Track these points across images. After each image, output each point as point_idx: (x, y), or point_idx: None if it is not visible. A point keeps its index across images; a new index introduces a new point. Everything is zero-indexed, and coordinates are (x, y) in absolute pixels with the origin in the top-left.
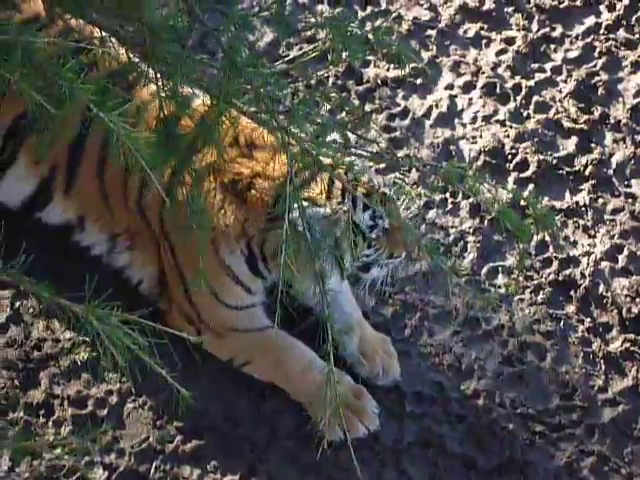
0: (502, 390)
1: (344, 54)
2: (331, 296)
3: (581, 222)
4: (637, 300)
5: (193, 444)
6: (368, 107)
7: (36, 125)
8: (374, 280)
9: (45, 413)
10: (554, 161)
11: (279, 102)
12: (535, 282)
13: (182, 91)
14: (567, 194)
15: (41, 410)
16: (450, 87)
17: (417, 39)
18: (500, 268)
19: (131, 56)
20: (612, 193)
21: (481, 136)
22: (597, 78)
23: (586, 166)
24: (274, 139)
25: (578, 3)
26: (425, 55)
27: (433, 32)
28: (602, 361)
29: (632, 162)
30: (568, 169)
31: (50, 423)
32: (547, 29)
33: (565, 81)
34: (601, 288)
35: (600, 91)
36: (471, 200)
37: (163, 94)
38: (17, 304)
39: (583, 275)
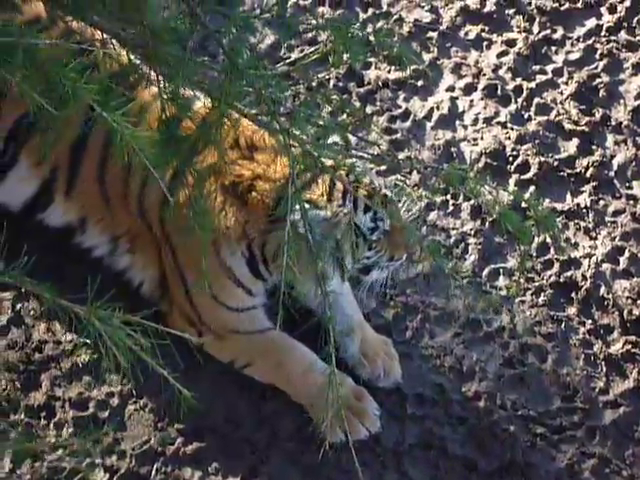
0: (503, 392)
1: (345, 56)
2: (332, 298)
3: (582, 224)
4: (638, 302)
5: (194, 446)
6: (369, 109)
7: (37, 126)
8: (375, 282)
9: (46, 415)
10: (555, 163)
11: (280, 104)
12: (536, 284)
13: (183, 93)
14: (568, 196)
15: (42, 412)
16: (451, 89)
17: (418, 41)
18: (501, 270)
19: (132, 58)
20: (613, 195)
21: (482, 138)
22: (598, 80)
23: (587, 168)
24: (275, 141)
25: (579, 5)
26: (426, 57)
27: (434, 34)
28: (603, 363)
29: (633, 164)
30: (569, 171)
31: (51, 425)
32: (548, 31)
33: (566, 83)
34: (602, 290)
35: (601, 93)
36: (472, 202)
37: (165, 96)
38: (18, 306)
39: (584, 277)
